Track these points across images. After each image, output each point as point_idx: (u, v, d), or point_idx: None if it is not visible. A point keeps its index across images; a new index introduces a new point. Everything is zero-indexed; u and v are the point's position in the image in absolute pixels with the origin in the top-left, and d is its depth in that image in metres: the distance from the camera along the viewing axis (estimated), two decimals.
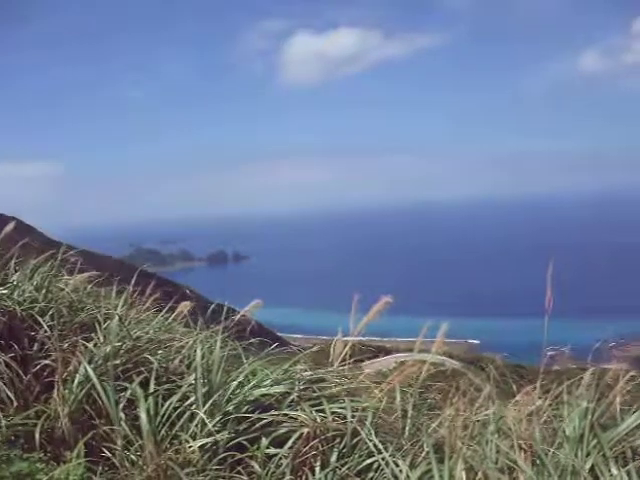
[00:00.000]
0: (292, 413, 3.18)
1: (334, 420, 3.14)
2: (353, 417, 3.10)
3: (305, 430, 3.03)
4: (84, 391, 3.36)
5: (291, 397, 3.36)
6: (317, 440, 3.01)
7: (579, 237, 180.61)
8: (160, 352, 3.84)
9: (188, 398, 3.31)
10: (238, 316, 4.15)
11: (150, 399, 3.23)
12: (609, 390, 3.12)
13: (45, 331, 3.81)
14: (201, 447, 3.02)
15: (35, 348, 3.78)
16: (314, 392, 3.45)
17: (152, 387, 3.34)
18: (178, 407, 3.23)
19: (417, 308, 63.75)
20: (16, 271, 4.57)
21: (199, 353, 3.43)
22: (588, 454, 2.76)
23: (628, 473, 2.60)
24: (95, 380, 3.30)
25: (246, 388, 3.36)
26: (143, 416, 3.10)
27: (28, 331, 3.90)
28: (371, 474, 2.92)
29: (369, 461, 2.95)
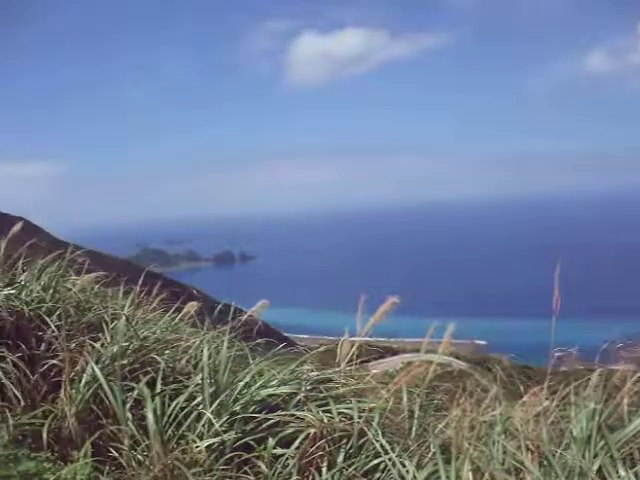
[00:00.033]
0: (299, 413, 3.18)
1: (341, 420, 3.14)
2: (360, 417, 3.10)
3: (312, 430, 3.04)
4: (91, 391, 3.37)
5: (298, 397, 3.36)
6: (324, 440, 3.01)
7: (584, 237, 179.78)
8: (167, 352, 3.85)
9: (195, 398, 3.32)
10: (245, 316, 4.15)
11: (157, 399, 3.24)
12: (617, 391, 3.10)
13: (52, 331, 3.83)
14: (208, 447, 3.03)
15: (42, 348, 3.80)
16: (321, 392, 3.45)
17: (159, 387, 3.36)
18: (185, 407, 3.24)
19: (423, 308, 63.59)
20: (24, 271, 4.59)
21: (206, 353, 3.44)
22: (595, 455, 2.75)
23: (636, 474, 2.60)
24: (102, 380, 3.32)
25: (253, 388, 3.36)
26: (150, 416, 3.11)
27: (36, 331, 3.92)
28: (378, 474, 2.92)
29: (376, 461, 2.95)
